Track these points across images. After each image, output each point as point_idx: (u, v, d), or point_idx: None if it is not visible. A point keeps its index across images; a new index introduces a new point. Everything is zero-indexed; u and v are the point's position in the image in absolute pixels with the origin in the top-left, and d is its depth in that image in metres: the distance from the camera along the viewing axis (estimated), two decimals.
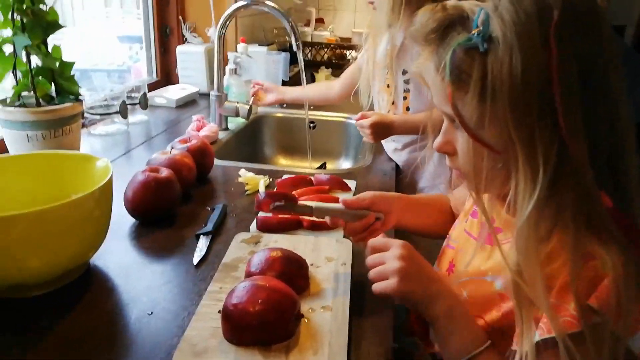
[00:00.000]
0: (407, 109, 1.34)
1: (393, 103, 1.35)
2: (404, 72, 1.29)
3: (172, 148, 1.06)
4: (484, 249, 0.66)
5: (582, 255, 0.52)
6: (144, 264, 0.80)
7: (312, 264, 0.76)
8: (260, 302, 0.59)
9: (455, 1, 0.57)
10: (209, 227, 0.88)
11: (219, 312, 0.62)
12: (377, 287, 0.63)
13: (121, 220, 0.90)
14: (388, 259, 0.64)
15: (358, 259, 0.80)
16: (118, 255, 0.81)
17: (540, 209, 0.52)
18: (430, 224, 0.88)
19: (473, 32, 0.52)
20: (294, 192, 0.99)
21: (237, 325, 0.58)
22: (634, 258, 0.51)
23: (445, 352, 0.62)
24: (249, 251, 0.80)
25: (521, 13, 0.50)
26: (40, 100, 1.08)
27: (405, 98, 1.33)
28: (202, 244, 0.84)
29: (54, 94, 1.12)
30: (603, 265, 0.51)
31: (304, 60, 1.40)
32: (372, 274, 0.65)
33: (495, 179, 0.58)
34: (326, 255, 0.79)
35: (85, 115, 1.42)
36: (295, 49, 1.38)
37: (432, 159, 1.30)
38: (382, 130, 1.28)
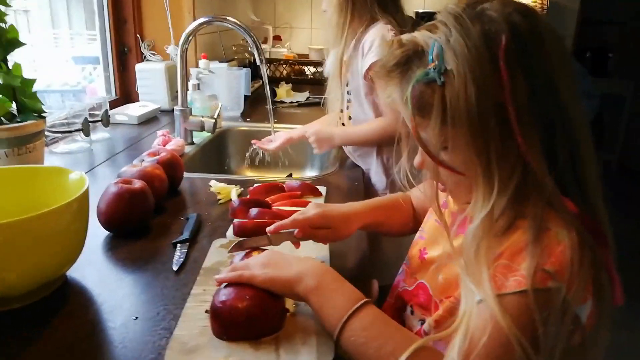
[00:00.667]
0: (349, 117, 1.44)
1: (342, 111, 1.45)
2: (347, 84, 1.39)
3: (143, 161, 1.06)
4: (457, 237, 0.70)
5: (540, 225, 0.55)
6: (122, 273, 0.80)
7: None
8: (248, 298, 0.61)
9: (410, 35, 0.61)
10: (186, 235, 0.89)
11: (206, 311, 0.63)
12: (238, 278, 0.64)
13: (93, 233, 0.89)
14: (251, 260, 0.68)
15: (336, 256, 0.85)
16: (94, 267, 0.80)
17: (493, 220, 0.56)
18: (390, 225, 0.91)
19: (429, 66, 0.57)
20: (267, 199, 1.02)
21: (226, 322, 0.60)
22: (589, 237, 0.55)
23: (326, 323, 0.61)
24: (229, 255, 0.81)
25: (471, 44, 0.54)
26: (2, 118, 1.06)
27: (348, 107, 1.43)
28: (180, 252, 0.84)
29: (15, 111, 1.10)
30: (558, 234, 0.54)
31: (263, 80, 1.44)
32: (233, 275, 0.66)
33: (460, 191, 0.64)
34: (305, 255, 0.81)
35: (46, 133, 1.39)
36: (258, 62, 1.42)
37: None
38: (323, 139, 1.38)
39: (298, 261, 0.67)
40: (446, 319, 0.65)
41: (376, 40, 1.25)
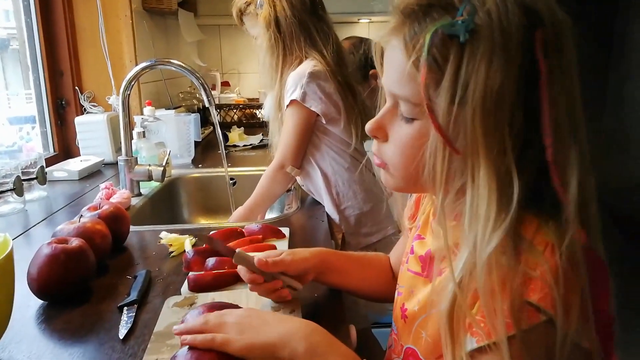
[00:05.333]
0: None
1: None
2: None
3: (81, 216, 0.95)
4: (432, 282, 0.61)
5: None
6: (60, 347, 0.68)
7: None
8: None
9: None
10: (133, 295, 0.78)
11: None
12: (210, 343, 0.55)
13: (24, 304, 0.77)
14: (222, 318, 0.58)
15: (306, 305, 0.75)
16: (25, 344, 0.68)
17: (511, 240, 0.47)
18: (364, 284, 0.82)
19: (457, 18, 0.47)
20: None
21: None
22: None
23: None
24: (184, 315, 0.71)
25: (511, 15, 0.46)
26: None
27: None
28: (127, 316, 0.73)
29: None
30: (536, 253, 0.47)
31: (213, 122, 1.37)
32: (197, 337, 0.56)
33: (431, 176, 0.51)
34: (272, 306, 0.72)
35: None
36: (207, 104, 1.35)
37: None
38: (242, 215, 1.31)
39: (279, 321, 0.58)
40: None
41: (294, 77, 1.25)
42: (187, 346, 0.54)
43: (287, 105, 1.26)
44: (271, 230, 0.99)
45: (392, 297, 0.73)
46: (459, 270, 0.49)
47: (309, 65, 1.25)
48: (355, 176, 1.32)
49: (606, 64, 3.95)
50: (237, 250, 0.70)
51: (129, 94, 1.35)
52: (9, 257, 0.63)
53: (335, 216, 1.32)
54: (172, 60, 1.37)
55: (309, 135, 1.30)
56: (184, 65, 1.34)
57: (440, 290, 0.53)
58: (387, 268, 0.84)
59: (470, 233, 0.49)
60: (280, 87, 1.32)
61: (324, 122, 1.27)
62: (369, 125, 0.58)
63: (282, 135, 1.30)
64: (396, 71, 0.53)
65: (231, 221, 1.32)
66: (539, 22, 0.47)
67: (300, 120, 1.26)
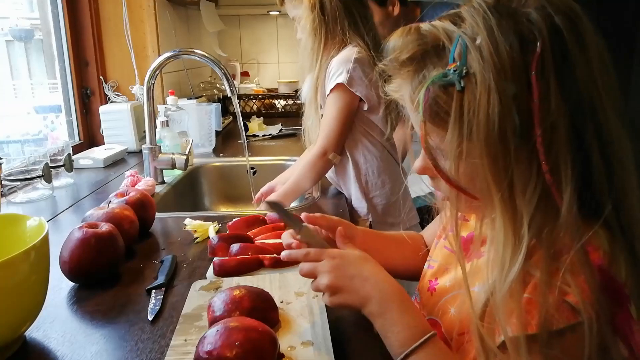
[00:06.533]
0: None
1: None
2: (321, 107, 1.36)
3: (110, 202, 0.98)
4: (468, 262, 0.61)
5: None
6: (91, 328, 0.70)
7: (282, 301, 0.71)
8: (238, 344, 0.53)
9: (430, 25, 0.53)
10: (161, 279, 0.81)
11: None
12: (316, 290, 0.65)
13: (56, 286, 0.80)
14: (319, 272, 0.63)
15: None
16: (58, 324, 0.71)
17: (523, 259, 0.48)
18: (397, 261, 0.82)
19: (449, 66, 0.49)
20: (248, 233, 0.94)
21: None
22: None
23: (389, 348, 0.58)
24: (211, 298, 0.73)
25: (500, 47, 0.46)
26: None
27: None
28: (155, 298, 0.76)
29: None
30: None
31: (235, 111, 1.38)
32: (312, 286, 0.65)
33: (476, 210, 0.56)
34: (295, 291, 0.74)
35: (3, 183, 1.29)
36: (228, 93, 1.36)
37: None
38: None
39: (364, 281, 0.61)
40: None
41: (339, 61, 1.24)
42: (216, 327, 0.55)
43: (331, 90, 1.25)
44: None
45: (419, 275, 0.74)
46: (479, 306, 0.52)
47: (353, 51, 1.25)
48: (385, 166, 1.32)
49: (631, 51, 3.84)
50: (304, 225, 0.70)
51: (153, 84, 1.37)
52: (45, 240, 0.66)
53: (362, 204, 1.33)
54: (195, 50, 1.39)
55: (351, 121, 1.29)
56: (207, 55, 1.36)
57: (474, 274, 0.56)
58: (418, 245, 0.84)
59: (488, 270, 0.52)
60: (319, 71, 1.31)
61: (365, 108, 1.27)
62: (416, 167, 0.59)
63: (325, 122, 1.29)
64: (414, 122, 0.56)
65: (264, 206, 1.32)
66: (534, 38, 0.46)
67: (344, 105, 1.25)
